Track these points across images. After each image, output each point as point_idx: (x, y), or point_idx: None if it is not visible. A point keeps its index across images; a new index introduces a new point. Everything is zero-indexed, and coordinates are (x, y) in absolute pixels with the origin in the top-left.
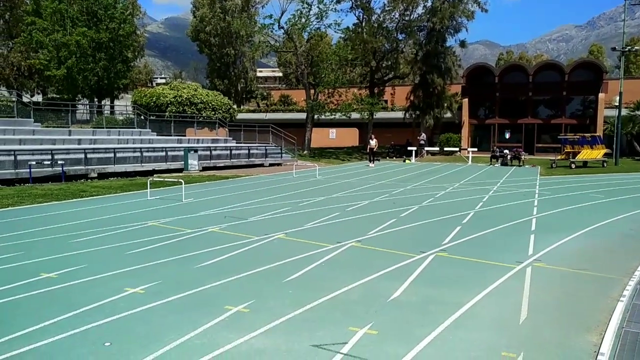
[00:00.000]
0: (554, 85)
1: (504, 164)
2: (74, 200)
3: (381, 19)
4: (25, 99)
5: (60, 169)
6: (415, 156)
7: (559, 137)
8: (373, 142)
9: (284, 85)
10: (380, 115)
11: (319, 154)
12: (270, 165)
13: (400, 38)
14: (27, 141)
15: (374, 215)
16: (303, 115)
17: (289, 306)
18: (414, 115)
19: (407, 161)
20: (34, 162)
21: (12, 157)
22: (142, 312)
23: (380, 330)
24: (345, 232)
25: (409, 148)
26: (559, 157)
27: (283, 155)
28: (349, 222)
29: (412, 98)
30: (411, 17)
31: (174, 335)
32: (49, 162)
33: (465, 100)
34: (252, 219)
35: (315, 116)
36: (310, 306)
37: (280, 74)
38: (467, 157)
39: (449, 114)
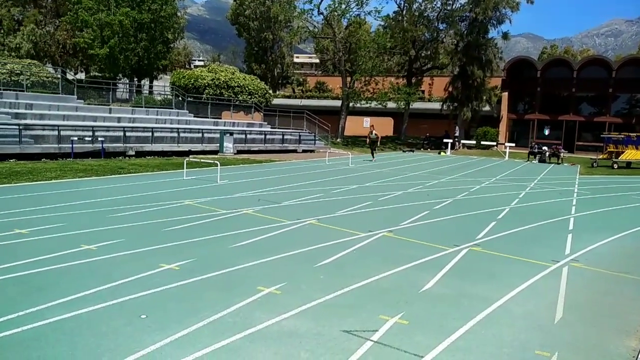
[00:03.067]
0: (599, 81)
1: (542, 160)
2: (113, 176)
3: (422, 7)
4: (69, 77)
5: (100, 145)
6: (451, 149)
7: (602, 135)
8: (373, 135)
9: (320, 72)
10: (416, 105)
11: (352, 142)
12: (303, 151)
13: (441, 28)
14: (70, 117)
15: (407, 206)
16: (338, 103)
17: (320, 291)
18: (451, 107)
19: (442, 153)
20: (76, 138)
21: (56, 132)
22: (177, 288)
23: (411, 321)
24: (377, 222)
25: (445, 140)
26: (600, 157)
27: (316, 142)
28: (381, 212)
29: (450, 89)
30: (453, 7)
31: (208, 312)
32: (89, 139)
33: (505, 94)
34: (284, 203)
35: (350, 104)
36: (341, 292)
37: (317, 61)
38: (504, 152)
39: (487, 107)
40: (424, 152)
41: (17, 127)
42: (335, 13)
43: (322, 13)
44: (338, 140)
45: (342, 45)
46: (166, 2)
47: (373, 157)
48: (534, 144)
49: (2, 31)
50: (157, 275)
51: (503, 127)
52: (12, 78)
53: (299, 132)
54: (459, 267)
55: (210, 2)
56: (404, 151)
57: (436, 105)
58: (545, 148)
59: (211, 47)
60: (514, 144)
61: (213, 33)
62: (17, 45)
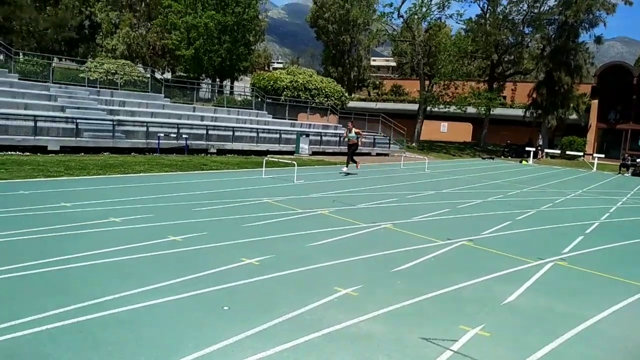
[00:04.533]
0: None
1: (635, 174)
2: (196, 172)
3: (507, 10)
4: (157, 76)
5: (184, 142)
6: (534, 157)
7: None
8: (353, 134)
9: (397, 75)
10: (497, 111)
11: (428, 147)
12: (377, 155)
13: (527, 32)
14: (157, 114)
15: (487, 215)
16: (414, 107)
17: (397, 296)
18: (535, 114)
19: (523, 162)
20: (162, 134)
21: (145, 129)
22: (257, 282)
23: (493, 333)
24: (455, 229)
25: (527, 148)
26: None
27: (391, 145)
28: (460, 220)
29: (534, 96)
30: (541, 10)
31: (286, 308)
32: (174, 135)
33: (595, 102)
34: (359, 206)
35: (428, 108)
36: (419, 299)
37: (394, 64)
38: (592, 164)
39: (574, 116)
40: (504, 160)
41: (111, 122)
42: (416, 16)
43: (402, 16)
44: (413, 144)
45: (421, 48)
46: (249, 5)
47: (347, 165)
48: (626, 155)
49: (101, 34)
50: (238, 269)
51: (591, 136)
52: (108, 77)
53: (374, 135)
54: (544, 281)
55: (290, 5)
56: (483, 158)
57: (518, 112)
58: (639, 160)
59: (290, 50)
60: (603, 155)
61: (292, 36)
62: (113, 47)
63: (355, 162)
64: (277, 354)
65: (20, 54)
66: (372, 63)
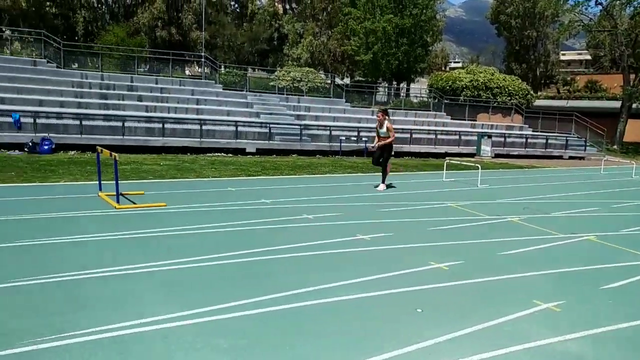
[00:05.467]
0: None
1: None
2: (376, 174)
3: None
4: (337, 81)
5: (364, 145)
6: None
7: None
8: (384, 129)
9: (592, 70)
10: None
11: (633, 150)
12: (570, 158)
13: None
14: (339, 119)
15: None
16: (615, 104)
17: (609, 316)
18: None
19: None
20: (343, 137)
21: (328, 132)
22: (448, 287)
23: None
24: None
25: None
26: None
27: (587, 148)
28: None
29: None
30: None
31: (480, 317)
32: (355, 138)
33: None
34: (554, 214)
35: (634, 105)
36: (637, 323)
37: (588, 57)
38: None
39: None
40: None
41: (299, 126)
42: (618, 1)
43: (600, 3)
44: (615, 147)
45: (624, 38)
46: (427, 6)
47: (384, 179)
48: None
49: (287, 44)
50: (427, 272)
51: None
52: (294, 84)
53: (566, 136)
54: None
55: (468, 2)
56: None
57: None
58: None
59: (467, 49)
60: None
61: (469, 34)
62: (298, 56)
63: (384, 175)
64: None
65: (222, 66)
66: (561, 58)
